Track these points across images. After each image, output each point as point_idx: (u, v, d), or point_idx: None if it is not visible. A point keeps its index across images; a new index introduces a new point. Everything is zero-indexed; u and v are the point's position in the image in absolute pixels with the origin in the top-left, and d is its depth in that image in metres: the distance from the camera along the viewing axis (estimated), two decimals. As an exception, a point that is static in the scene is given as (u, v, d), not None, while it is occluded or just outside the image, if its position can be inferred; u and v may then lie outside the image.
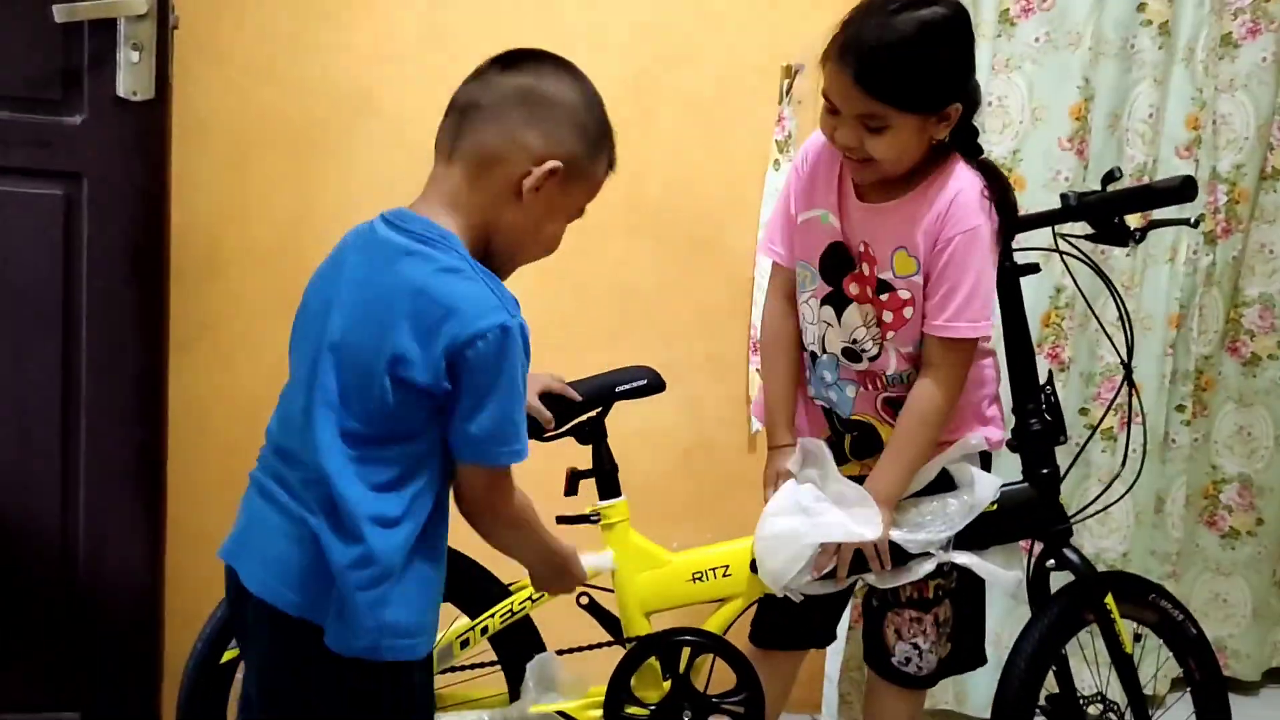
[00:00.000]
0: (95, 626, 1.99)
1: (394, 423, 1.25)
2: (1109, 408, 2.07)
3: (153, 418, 2.01)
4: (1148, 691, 2.46)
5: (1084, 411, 2.51)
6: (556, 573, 1.52)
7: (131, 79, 1.91)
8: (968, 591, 1.83)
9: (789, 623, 1.86)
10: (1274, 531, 2.72)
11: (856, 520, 1.66)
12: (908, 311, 1.67)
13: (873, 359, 1.73)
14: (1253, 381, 2.70)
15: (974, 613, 1.86)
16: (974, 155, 1.68)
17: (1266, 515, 2.71)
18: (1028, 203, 2.39)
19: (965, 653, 1.86)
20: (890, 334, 1.70)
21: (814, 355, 1.80)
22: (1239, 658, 2.77)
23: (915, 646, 1.82)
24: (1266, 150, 2.59)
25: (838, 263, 1.73)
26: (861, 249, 1.70)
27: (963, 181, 1.64)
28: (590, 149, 1.35)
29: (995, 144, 2.38)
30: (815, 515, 1.68)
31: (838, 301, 1.74)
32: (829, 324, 1.76)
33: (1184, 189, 1.61)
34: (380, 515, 1.24)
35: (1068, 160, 2.40)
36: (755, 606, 1.87)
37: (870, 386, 1.76)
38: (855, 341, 1.74)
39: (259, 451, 1.39)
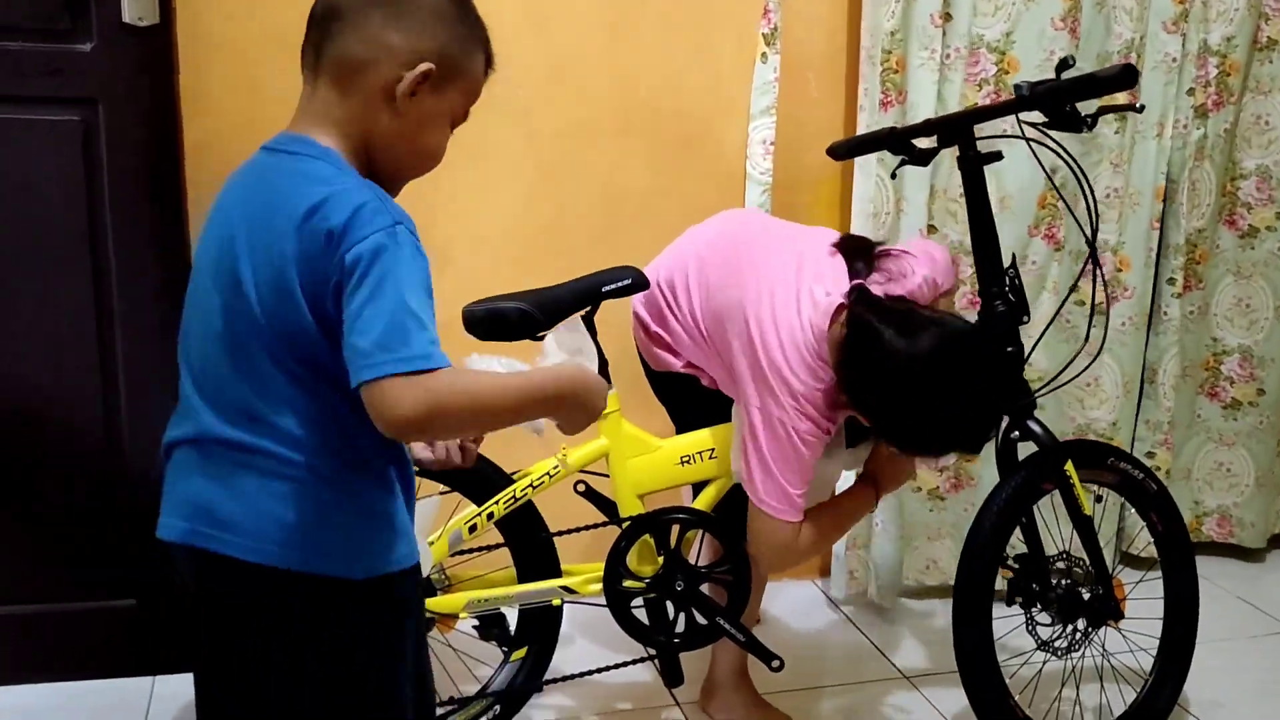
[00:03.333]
0: (145, 522, 2.17)
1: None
2: (1074, 284, 2.17)
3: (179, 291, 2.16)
4: (1144, 555, 2.62)
5: (1075, 288, 2.59)
6: (568, 399, 1.30)
7: (136, 5, 2.02)
8: None
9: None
10: (1275, 402, 2.80)
11: None
12: None
13: None
14: (1250, 254, 2.76)
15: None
16: None
17: (1268, 386, 2.79)
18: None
19: None
20: None
21: None
22: (1244, 525, 2.87)
23: None
24: (1259, 21, 2.61)
25: None
26: None
27: None
28: (462, 44, 1.24)
29: (987, 27, 2.43)
30: None
31: None
32: None
33: (1124, 76, 1.68)
34: None
35: (1060, 40, 2.44)
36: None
37: None
38: None
39: None
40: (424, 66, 1.20)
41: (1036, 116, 1.82)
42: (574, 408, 1.31)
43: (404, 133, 1.23)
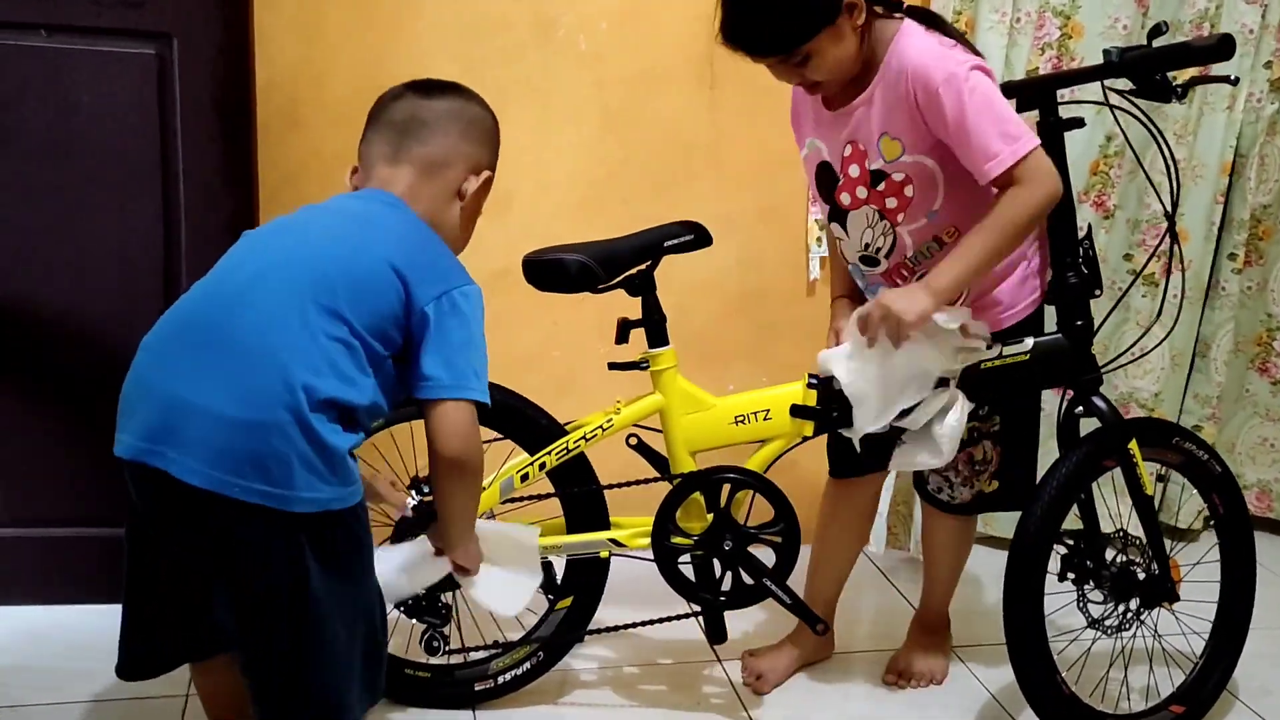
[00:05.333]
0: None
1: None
2: (1151, 255, 2.04)
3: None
4: (1182, 526, 2.53)
5: (1128, 257, 2.45)
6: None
7: (213, -59, 1.95)
8: (1014, 434, 1.87)
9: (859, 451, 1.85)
10: (1325, 381, 2.65)
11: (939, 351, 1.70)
12: (909, 190, 1.68)
13: (889, 254, 1.75)
14: (1313, 230, 2.59)
15: (1021, 455, 1.90)
16: (897, 9, 1.67)
17: (1320, 363, 2.64)
18: (1084, 50, 2.30)
19: (1013, 491, 1.89)
20: (899, 217, 1.71)
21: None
22: (1284, 500, 2.75)
23: (946, 479, 1.91)
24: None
25: (826, 180, 1.77)
26: (849, 152, 1.70)
27: (908, 42, 1.61)
28: (496, 157, 1.55)
29: (1054, -10, 2.29)
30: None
31: (838, 216, 1.77)
32: (840, 238, 1.81)
33: (1221, 47, 1.54)
34: None
35: (1127, 8, 2.29)
36: (828, 445, 1.95)
37: (900, 281, 1.77)
38: (866, 246, 1.76)
39: None
40: (487, 174, 1.52)
41: (1124, 83, 1.70)
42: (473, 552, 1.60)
43: (459, 221, 1.52)
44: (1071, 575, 1.82)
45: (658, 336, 1.79)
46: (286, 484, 1.26)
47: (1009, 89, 1.79)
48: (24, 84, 1.94)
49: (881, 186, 1.69)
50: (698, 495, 1.80)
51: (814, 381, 1.78)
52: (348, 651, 1.35)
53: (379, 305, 1.35)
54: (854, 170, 1.71)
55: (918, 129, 1.62)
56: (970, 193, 1.66)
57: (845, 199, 1.74)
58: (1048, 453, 2.35)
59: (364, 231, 1.41)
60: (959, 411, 1.71)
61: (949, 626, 2.11)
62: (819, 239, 2.39)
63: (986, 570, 2.46)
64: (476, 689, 1.89)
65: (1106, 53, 1.65)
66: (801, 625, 2.00)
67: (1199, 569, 1.86)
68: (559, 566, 1.87)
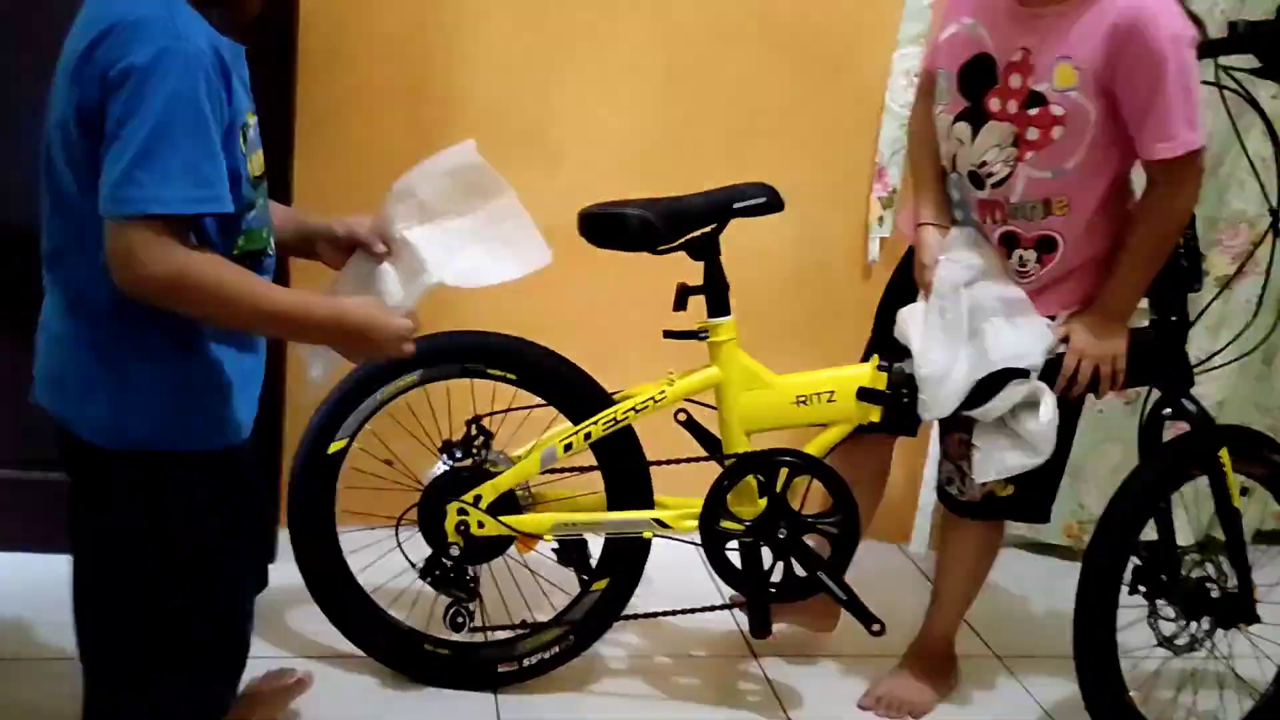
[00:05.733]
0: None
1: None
2: (1250, 254, 1.90)
3: (279, 197, 1.99)
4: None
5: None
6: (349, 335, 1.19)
7: None
8: None
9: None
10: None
11: (1024, 339, 1.58)
12: (1057, 131, 1.53)
13: (997, 184, 1.59)
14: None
15: (1048, 462, 1.66)
16: None
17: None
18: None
19: (1027, 502, 1.72)
20: (1029, 154, 1.55)
21: (945, 171, 1.69)
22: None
23: (958, 468, 1.73)
24: None
25: (979, 76, 1.59)
26: (1018, 58, 1.54)
27: None
28: None
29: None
30: (977, 339, 1.59)
31: (974, 118, 1.60)
32: (961, 142, 1.63)
33: (1371, 23, 1.42)
34: None
35: (1226, -9, 2.15)
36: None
37: (990, 219, 1.63)
38: (984, 165, 1.60)
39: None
40: None
41: (1240, 60, 1.57)
42: (354, 344, 1.21)
43: None
44: (1143, 589, 1.69)
45: (719, 305, 1.67)
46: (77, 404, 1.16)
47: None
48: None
49: (1034, 112, 1.54)
50: (751, 478, 1.67)
51: (885, 365, 1.65)
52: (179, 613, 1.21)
53: (69, 144, 1.07)
54: (1015, 80, 1.56)
55: (1102, 71, 1.48)
56: (1104, 177, 1.56)
57: (995, 104, 1.58)
58: (1098, 457, 2.28)
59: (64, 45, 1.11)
60: (1050, 407, 1.58)
61: (953, 663, 1.91)
62: (880, 218, 2.25)
63: (1034, 577, 2.33)
64: (500, 670, 1.77)
65: (1232, 25, 1.52)
66: (809, 603, 1.83)
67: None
68: (596, 546, 1.74)
